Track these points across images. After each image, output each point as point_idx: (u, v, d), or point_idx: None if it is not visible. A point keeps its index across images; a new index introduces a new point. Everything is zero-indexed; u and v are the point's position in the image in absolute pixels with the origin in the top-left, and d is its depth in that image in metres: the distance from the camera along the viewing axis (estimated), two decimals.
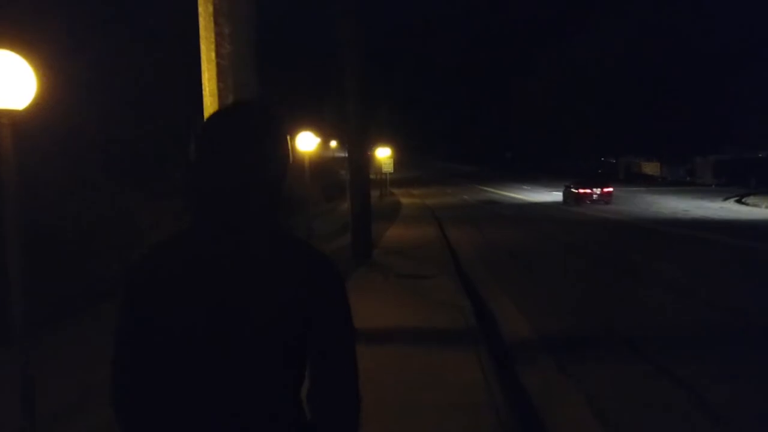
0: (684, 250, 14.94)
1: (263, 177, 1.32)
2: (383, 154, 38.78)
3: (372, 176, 53.65)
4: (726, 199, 32.98)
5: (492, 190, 50.49)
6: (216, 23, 4.75)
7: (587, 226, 21.40)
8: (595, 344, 7.07)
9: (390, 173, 39.63)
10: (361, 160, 12.47)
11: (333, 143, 54.29)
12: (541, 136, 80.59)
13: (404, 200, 37.33)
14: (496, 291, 10.15)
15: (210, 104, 4.88)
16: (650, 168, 58.60)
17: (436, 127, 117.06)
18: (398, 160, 70.63)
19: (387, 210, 28.54)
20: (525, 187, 51.54)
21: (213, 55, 4.86)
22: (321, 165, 39.77)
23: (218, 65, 4.88)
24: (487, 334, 7.17)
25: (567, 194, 32.03)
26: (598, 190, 30.25)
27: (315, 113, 39.67)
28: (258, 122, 1.34)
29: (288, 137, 1.39)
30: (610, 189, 30.59)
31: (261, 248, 1.31)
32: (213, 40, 4.82)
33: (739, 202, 31.11)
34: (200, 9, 4.57)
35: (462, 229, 20.61)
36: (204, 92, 4.93)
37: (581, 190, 30.54)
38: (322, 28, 13.93)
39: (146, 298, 1.29)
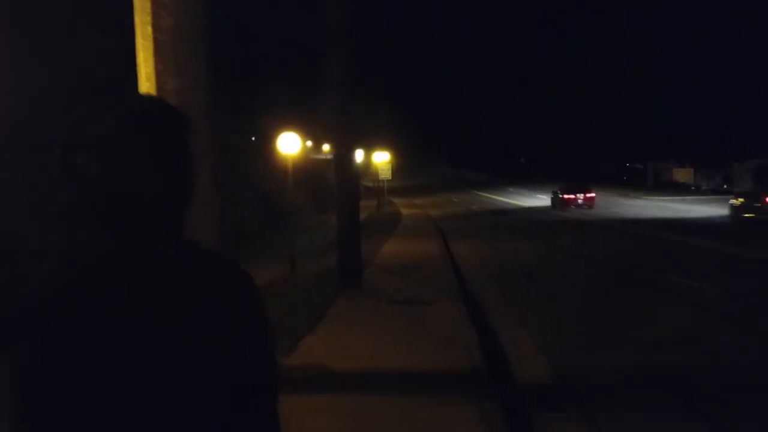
0: (719, 268, 14.47)
1: (162, 183, 1.28)
2: (381, 158, 38.35)
3: (369, 184, 53.43)
4: None
5: (503, 199, 50.82)
6: None
7: (598, 234, 22.64)
8: (633, 389, 6.41)
9: (388, 180, 39.24)
10: (348, 164, 11.86)
11: (326, 146, 53.88)
12: (559, 139, 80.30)
13: (405, 211, 37.25)
14: (507, 319, 9.62)
15: (147, 90, 4.33)
16: (682, 175, 57.95)
17: (442, 131, 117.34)
18: (400, 167, 71.01)
19: (385, 222, 28.59)
20: (540, 196, 51.44)
21: (149, 29, 4.30)
22: (311, 170, 39.34)
23: (156, 42, 4.30)
24: (496, 377, 6.54)
25: (554, 200, 38.36)
26: (581, 196, 36.51)
27: (307, 113, 39.31)
28: (148, 121, 1.29)
29: (187, 137, 1.34)
30: (593, 194, 36.98)
31: (167, 265, 1.28)
32: (149, 10, 4.28)
33: None
34: None
35: (469, 244, 20.40)
36: (139, 76, 4.36)
37: (566, 196, 36.87)
38: (317, 24, 13.44)
39: (52, 332, 1.20)
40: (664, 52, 58.65)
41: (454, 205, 44.42)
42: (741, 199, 25.78)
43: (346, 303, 10.26)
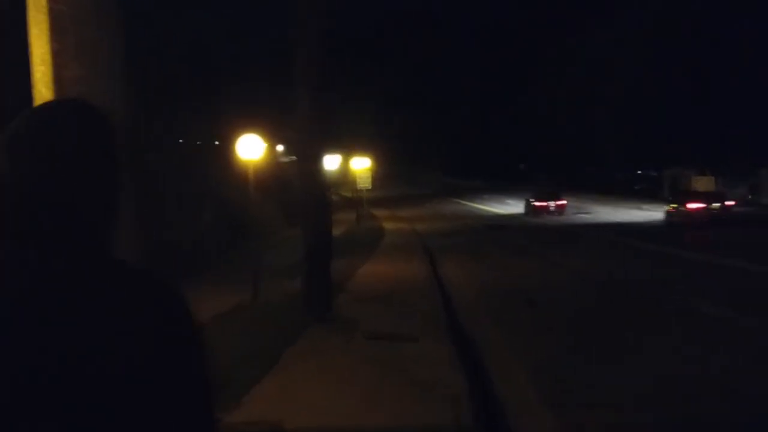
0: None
1: (84, 195, 1.36)
2: (360, 165, 37.94)
3: (348, 194, 53.12)
4: None
5: (500, 211, 51.10)
6: None
7: (605, 251, 23.26)
8: None
9: (368, 190, 38.81)
10: (315, 169, 11.43)
11: None
12: (564, 144, 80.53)
13: (388, 225, 37.20)
14: (505, 360, 9.15)
15: (42, 76, 4.00)
16: (703, 183, 57.84)
17: (433, 134, 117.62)
18: (386, 174, 70.91)
19: (365, 239, 28.29)
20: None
21: None
22: (282, 177, 38.82)
23: (52, 13, 3.96)
24: None
25: (527, 207, 45.37)
26: (553, 203, 43.42)
27: (278, 114, 38.82)
28: (76, 129, 1.39)
29: (115, 145, 1.44)
30: (564, 202, 43.90)
31: (85, 284, 1.32)
32: None
33: None
34: None
35: (460, 264, 20.28)
36: (31, 58, 3.98)
37: (538, 204, 43.89)
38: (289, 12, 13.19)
39: None
40: (680, 48, 58.81)
41: (443, 219, 44.30)
42: (672, 206, 33.59)
43: (310, 339, 9.74)
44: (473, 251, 24.39)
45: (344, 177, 45.23)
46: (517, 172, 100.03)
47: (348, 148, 41.45)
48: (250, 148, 16.90)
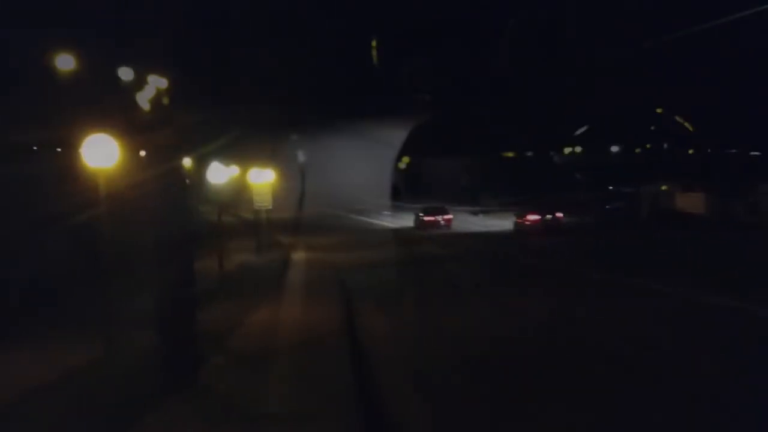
0: None
1: None
2: (260, 178, 36.90)
3: (249, 215, 52.04)
4: None
5: (394, 225, 54.57)
6: None
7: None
8: None
9: (268, 208, 37.85)
10: (170, 174, 10.75)
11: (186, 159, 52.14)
12: (520, 154, 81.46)
13: (298, 255, 36.99)
14: None
15: None
16: (690, 201, 58.52)
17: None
18: (299, 191, 70.12)
19: (264, 274, 27.85)
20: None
21: None
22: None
23: None
24: None
25: (417, 221, 57.85)
26: (441, 218, 56.55)
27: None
28: None
29: None
30: (450, 216, 57.44)
31: None
32: None
33: None
34: None
35: (387, 311, 19.79)
36: None
37: (427, 218, 56.47)
38: None
39: None
40: (669, 36, 60.06)
41: (373, 248, 43.74)
42: (518, 218, 50.21)
43: (160, 423, 8.91)
44: (399, 290, 24.33)
45: (244, 194, 44.28)
46: (454, 190, 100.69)
47: (249, 160, 40.47)
48: (100, 153, 15.89)
